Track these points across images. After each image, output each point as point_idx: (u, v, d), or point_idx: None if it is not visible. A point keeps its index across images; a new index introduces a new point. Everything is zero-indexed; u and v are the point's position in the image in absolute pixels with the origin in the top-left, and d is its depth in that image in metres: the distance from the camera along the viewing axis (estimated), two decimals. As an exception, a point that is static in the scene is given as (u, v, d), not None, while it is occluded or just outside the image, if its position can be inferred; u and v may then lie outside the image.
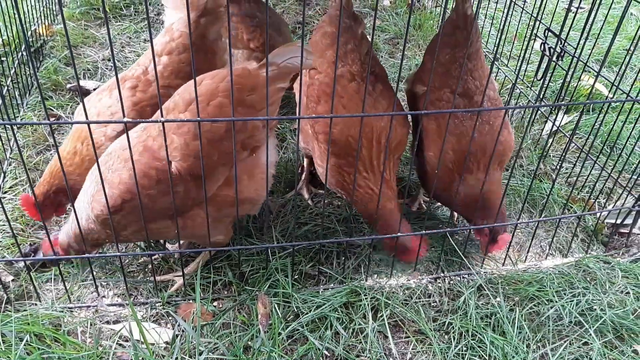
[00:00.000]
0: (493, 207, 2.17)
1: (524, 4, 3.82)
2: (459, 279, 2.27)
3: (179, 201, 1.83)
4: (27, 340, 1.74)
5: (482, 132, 2.24)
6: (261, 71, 1.86)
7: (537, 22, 3.12)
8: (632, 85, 3.25)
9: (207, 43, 2.11)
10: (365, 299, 2.03)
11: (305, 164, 2.75)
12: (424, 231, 2.10)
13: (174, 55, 2.05)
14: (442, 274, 2.28)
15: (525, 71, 3.56)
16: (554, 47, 2.89)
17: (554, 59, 2.89)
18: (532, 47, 3.33)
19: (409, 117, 2.53)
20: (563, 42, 2.82)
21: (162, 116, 1.79)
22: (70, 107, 3.16)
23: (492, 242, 2.20)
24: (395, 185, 2.25)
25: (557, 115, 3.26)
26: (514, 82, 3.54)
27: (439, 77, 2.41)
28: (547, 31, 2.96)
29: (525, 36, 3.96)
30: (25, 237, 2.29)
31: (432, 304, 2.13)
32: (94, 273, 2.06)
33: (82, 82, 3.34)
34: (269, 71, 1.83)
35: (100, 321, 1.95)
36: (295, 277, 2.16)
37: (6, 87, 2.86)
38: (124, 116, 1.75)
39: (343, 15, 2.57)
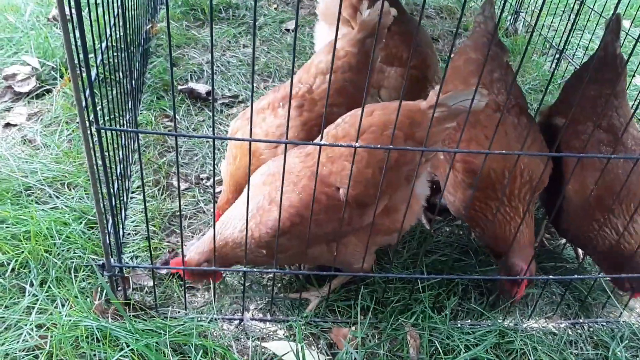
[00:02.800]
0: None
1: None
2: (597, 325, 2.19)
3: (340, 227, 1.82)
4: (187, 351, 1.73)
5: (628, 170, 2.18)
6: (430, 111, 1.80)
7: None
8: None
9: (369, 62, 2.09)
10: (515, 341, 1.97)
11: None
12: (550, 276, 2.08)
13: (339, 74, 2.03)
14: (581, 320, 2.20)
15: None
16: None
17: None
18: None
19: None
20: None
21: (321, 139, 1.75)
22: (182, 109, 3.17)
23: (638, 290, 2.12)
24: (533, 223, 2.20)
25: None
26: None
27: (582, 111, 2.37)
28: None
29: None
30: (158, 241, 2.30)
31: (576, 353, 2.05)
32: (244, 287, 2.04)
33: (192, 85, 3.36)
34: (439, 112, 1.79)
35: (247, 337, 1.94)
36: (432, 307, 2.11)
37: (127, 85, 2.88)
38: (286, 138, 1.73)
39: (490, 43, 2.53)
